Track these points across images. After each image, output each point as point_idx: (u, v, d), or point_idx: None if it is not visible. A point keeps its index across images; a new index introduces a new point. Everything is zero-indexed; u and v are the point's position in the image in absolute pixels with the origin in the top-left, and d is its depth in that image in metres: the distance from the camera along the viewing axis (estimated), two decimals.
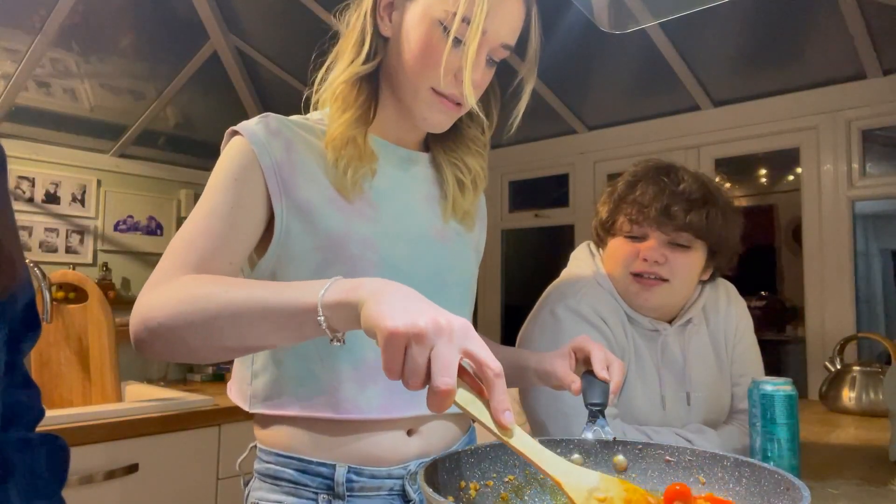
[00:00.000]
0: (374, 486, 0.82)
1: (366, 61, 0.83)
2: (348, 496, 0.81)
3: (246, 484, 0.89)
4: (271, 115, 0.84)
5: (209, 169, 0.81)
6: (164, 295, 0.68)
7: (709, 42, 2.03)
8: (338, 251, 0.79)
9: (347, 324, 0.60)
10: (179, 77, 2.37)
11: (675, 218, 1.07)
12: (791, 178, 3.36)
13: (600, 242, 1.22)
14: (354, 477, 0.81)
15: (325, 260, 0.79)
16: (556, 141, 2.77)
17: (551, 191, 2.92)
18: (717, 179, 2.29)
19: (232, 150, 0.80)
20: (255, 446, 0.89)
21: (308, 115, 0.90)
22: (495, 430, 0.56)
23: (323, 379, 0.80)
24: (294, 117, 0.87)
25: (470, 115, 0.91)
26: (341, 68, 0.84)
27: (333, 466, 0.80)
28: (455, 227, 0.92)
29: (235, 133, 0.81)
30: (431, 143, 0.95)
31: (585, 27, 1.83)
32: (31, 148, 2.48)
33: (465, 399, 0.56)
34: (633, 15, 1.64)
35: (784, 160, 3.07)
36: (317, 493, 0.81)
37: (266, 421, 0.86)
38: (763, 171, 3.66)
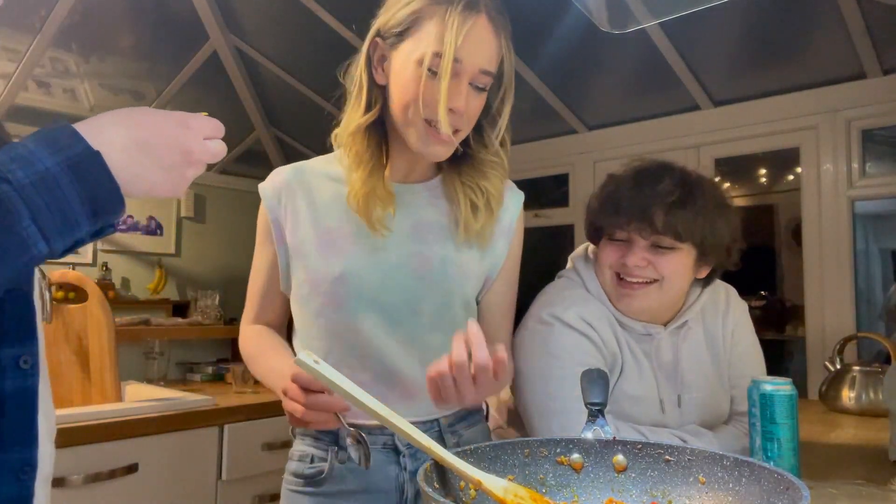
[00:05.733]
0: (370, 440, 0.93)
1: (365, 111, 0.95)
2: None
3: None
4: (281, 168, 1.03)
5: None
6: (241, 341, 1.10)
7: (709, 42, 2.03)
8: (315, 286, 0.98)
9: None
10: (179, 77, 2.37)
11: (654, 222, 1.06)
12: (791, 177, 3.35)
13: (592, 242, 1.22)
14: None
15: (310, 292, 0.99)
16: (556, 141, 2.77)
17: (551, 191, 2.92)
18: (717, 179, 2.30)
19: (260, 212, 1.04)
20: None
21: (328, 155, 1.05)
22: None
23: None
24: (316, 159, 1.05)
25: (482, 140, 1.00)
26: (346, 122, 0.97)
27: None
28: (465, 252, 1.01)
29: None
30: (445, 169, 1.04)
31: (585, 27, 1.83)
32: None
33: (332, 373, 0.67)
34: (633, 15, 1.64)
35: (784, 160, 3.07)
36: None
37: None
38: (763, 171, 3.65)
